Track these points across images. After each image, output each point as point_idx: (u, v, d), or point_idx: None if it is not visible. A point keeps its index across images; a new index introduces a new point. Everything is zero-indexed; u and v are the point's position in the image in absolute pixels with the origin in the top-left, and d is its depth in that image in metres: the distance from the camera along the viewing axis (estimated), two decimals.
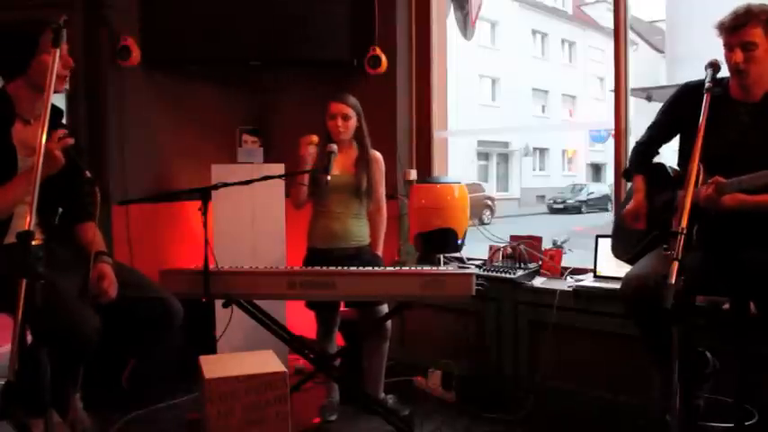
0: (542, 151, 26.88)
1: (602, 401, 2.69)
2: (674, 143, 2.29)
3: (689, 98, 2.16)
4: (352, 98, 2.85)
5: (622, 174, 2.69)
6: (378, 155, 2.92)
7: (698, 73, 2.11)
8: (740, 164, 1.93)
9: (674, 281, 1.56)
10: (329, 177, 2.63)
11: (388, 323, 2.86)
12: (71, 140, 1.93)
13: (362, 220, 2.88)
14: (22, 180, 1.93)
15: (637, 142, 2.38)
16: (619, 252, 2.40)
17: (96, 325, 1.91)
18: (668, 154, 2.32)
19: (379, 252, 2.91)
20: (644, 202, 2.21)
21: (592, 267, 2.91)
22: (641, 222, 2.20)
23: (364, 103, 2.91)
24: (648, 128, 2.35)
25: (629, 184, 2.41)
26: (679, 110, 2.21)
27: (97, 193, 1.98)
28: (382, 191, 2.93)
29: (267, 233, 3.45)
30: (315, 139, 2.79)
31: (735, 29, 2.01)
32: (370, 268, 2.53)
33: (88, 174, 1.98)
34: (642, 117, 2.47)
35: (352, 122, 2.81)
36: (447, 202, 3.20)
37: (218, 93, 3.82)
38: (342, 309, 2.99)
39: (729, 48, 2.03)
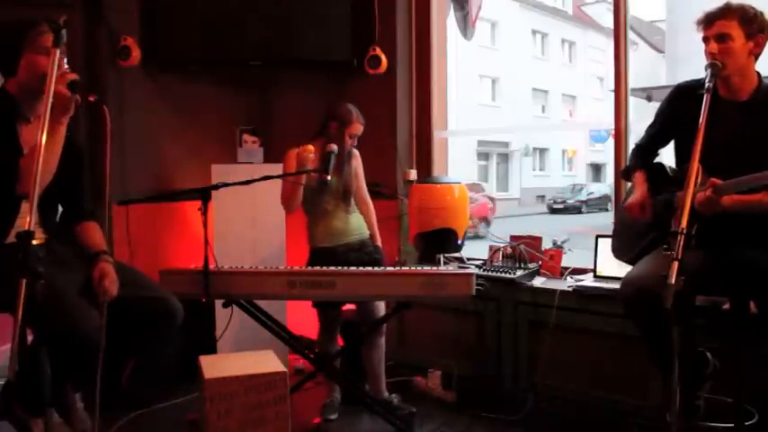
0: (542, 151, 26.87)
1: (601, 401, 2.69)
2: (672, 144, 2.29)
3: (681, 99, 2.17)
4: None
5: (621, 173, 2.68)
6: (354, 150, 2.94)
7: (698, 73, 2.11)
8: (735, 163, 1.93)
9: (673, 281, 1.56)
10: (329, 177, 2.63)
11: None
12: (73, 75, 1.89)
13: (357, 213, 2.94)
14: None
15: (636, 144, 2.39)
16: (619, 253, 2.40)
17: (97, 323, 1.90)
18: (668, 155, 2.31)
19: (379, 243, 2.97)
20: (647, 194, 2.18)
21: (592, 267, 2.91)
22: (647, 212, 2.16)
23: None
24: (646, 130, 2.35)
25: (629, 185, 2.41)
26: (672, 111, 2.22)
27: (106, 110, 1.93)
28: (364, 185, 3.00)
29: (267, 233, 3.45)
30: (311, 148, 2.76)
31: (710, 21, 2.04)
32: (370, 268, 2.54)
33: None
34: (642, 117, 2.46)
35: None
36: (447, 202, 3.20)
37: (218, 93, 3.82)
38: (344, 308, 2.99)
39: (706, 41, 2.05)
